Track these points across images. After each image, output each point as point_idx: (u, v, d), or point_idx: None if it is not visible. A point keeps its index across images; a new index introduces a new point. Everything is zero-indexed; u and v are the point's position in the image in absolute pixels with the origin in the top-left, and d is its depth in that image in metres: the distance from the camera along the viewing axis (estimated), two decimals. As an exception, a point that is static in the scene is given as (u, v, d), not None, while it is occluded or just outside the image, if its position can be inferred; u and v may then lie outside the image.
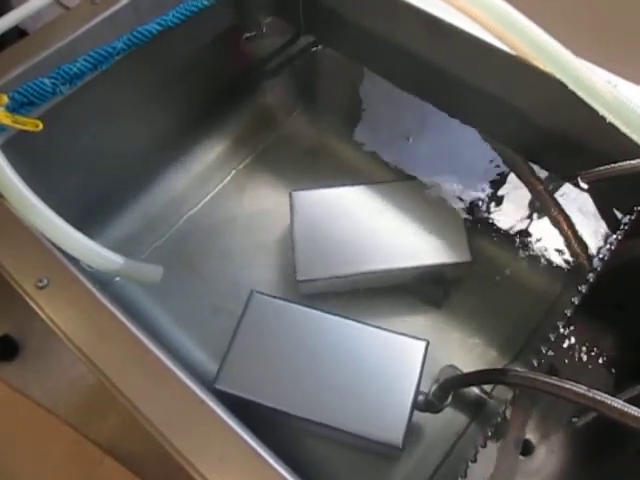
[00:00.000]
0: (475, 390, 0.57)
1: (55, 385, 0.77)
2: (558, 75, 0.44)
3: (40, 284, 0.43)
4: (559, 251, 0.64)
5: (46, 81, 0.50)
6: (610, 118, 0.42)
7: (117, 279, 0.64)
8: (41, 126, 0.48)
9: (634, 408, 0.34)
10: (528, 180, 0.66)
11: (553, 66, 0.44)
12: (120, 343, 0.42)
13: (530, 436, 0.58)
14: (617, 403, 0.35)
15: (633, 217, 0.54)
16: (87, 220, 0.54)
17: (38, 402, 0.76)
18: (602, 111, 0.42)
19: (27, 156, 0.53)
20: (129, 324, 0.43)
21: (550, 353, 0.49)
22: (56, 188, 0.53)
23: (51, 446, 0.74)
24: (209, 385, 0.51)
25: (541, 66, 0.45)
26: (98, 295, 0.43)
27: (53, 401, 0.76)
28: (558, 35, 0.43)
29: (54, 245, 0.45)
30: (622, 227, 0.55)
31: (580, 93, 0.42)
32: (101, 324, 0.42)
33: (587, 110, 0.42)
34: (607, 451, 0.56)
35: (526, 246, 0.66)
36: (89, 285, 0.44)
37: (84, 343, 0.42)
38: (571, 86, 0.43)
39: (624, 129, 0.41)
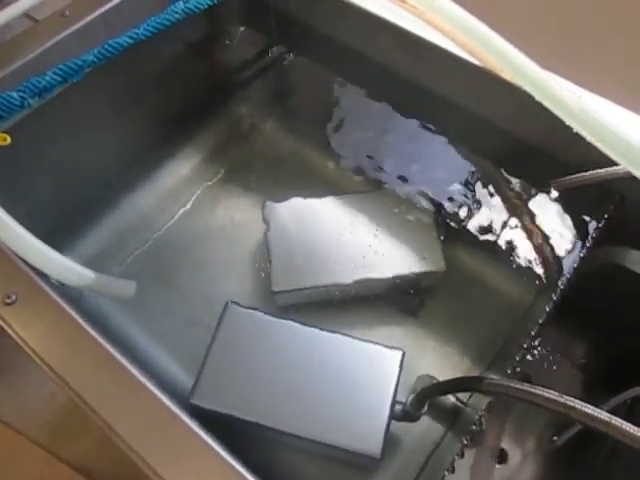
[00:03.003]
0: (451, 399, 0.57)
1: (26, 404, 0.75)
2: (526, 87, 0.45)
3: (8, 300, 0.42)
4: (532, 259, 0.65)
5: (14, 94, 0.49)
6: (577, 128, 0.43)
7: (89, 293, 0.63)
8: (9, 140, 0.47)
9: (604, 413, 0.34)
10: (501, 189, 0.67)
11: (520, 78, 0.45)
12: (92, 359, 0.41)
13: (506, 444, 0.59)
14: (588, 408, 0.35)
15: (602, 225, 0.56)
16: (57, 234, 0.53)
17: (7, 422, 0.74)
18: (569, 121, 0.43)
19: (-6, 170, 0.52)
20: (101, 340, 0.42)
21: (523, 361, 0.50)
22: (24, 201, 0.52)
23: (21, 467, 0.72)
24: (185, 400, 0.50)
25: (508, 78, 0.46)
26: (69, 310, 0.43)
27: (23, 420, 0.74)
28: (523, 47, 0.44)
29: (22, 260, 0.44)
30: (592, 235, 0.56)
31: (547, 104, 0.43)
32: (72, 340, 0.42)
33: (556, 121, 0.43)
34: (579, 456, 0.57)
35: (499, 254, 0.67)
36: (59, 300, 0.43)
37: (55, 360, 0.41)
38: (538, 97, 0.44)
39: (589, 138, 0.42)
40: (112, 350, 0.41)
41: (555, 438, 0.58)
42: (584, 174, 0.55)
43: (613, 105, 0.53)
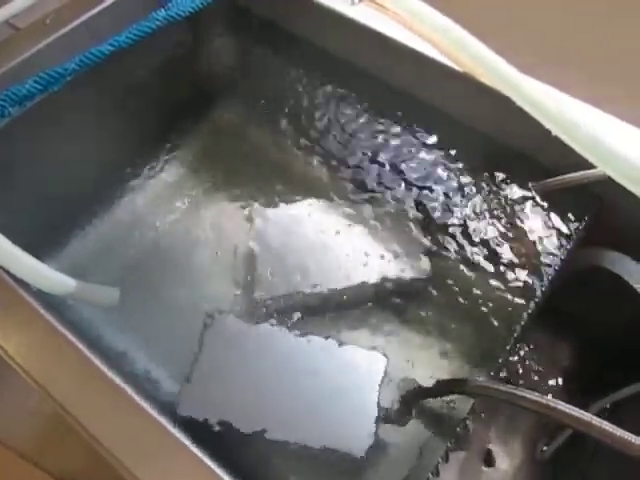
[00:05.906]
0: (437, 402, 0.57)
1: (8, 414, 0.74)
2: (505, 91, 0.45)
3: (-14, 309, 0.42)
4: (514, 262, 0.65)
5: (-6, 102, 0.49)
6: (555, 131, 0.43)
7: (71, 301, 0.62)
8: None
9: (586, 414, 0.35)
10: (484, 193, 0.67)
11: (499, 82, 0.45)
12: (75, 369, 0.41)
13: (492, 447, 0.59)
14: (570, 410, 0.35)
15: (582, 227, 0.56)
16: (40, 243, 0.53)
17: (-10, 434, 0.73)
18: (547, 124, 0.43)
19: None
20: (85, 349, 0.41)
21: (507, 363, 0.50)
22: (4, 209, 0.51)
23: (4, 478, 0.71)
24: (171, 410, 0.50)
25: (488, 82, 0.46)
26: (50, 319, 0.42)
27: (7, 432, 0.73)
28: (500, 51, 0.45)
29: (2, 268, 0.44)
30: (573, 237, 0.57)
31: (525, 107, 0.44)
32: (54, 349, 0.41)
33: (536, 124, 0.44)
34: (567, 462, 0.57)
35: (484, 257, 0.67)
36: (40, 309, 0.42)
37: (36, 370, 0.40)
38: (517, 101, 0.44)
39: (567, 141, 0.42)
40: (95, 359, 0.41)
41: (545, 448, 0.59)
42: (564, 177, 0.55)
43: (592, 108, 0.54)
